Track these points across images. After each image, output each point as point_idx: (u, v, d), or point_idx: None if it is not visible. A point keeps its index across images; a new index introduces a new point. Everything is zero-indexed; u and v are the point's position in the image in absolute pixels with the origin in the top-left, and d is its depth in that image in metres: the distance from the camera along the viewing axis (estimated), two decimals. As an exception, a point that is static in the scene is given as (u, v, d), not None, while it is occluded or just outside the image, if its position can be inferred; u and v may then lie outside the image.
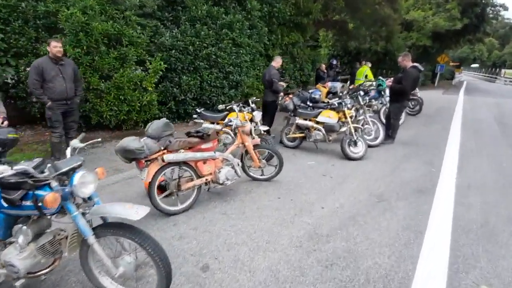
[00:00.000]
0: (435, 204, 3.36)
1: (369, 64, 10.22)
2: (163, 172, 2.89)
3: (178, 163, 2.91)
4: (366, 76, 9.46)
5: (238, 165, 3.49)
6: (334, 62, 11.80)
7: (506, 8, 25.26)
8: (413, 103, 9.32)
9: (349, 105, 5.01)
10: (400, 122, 7.44)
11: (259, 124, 4.76)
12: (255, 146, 3.70)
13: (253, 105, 4.68)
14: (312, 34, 14.38)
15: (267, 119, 5.91)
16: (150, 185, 2.83)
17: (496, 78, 40.66)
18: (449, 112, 10.14)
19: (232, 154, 3.57)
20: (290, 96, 5.56)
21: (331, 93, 6.87)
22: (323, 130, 4.96)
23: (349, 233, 2.74)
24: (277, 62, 5.72)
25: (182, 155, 2.87)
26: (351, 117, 4.90)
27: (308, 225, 2.87)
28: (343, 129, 4.87)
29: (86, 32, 5.07)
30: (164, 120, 2.88)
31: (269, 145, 4.20)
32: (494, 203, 3.40)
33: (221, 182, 3.25)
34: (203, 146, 3.14)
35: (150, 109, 6.07)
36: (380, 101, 7.77)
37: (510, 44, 57.20)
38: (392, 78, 6.12)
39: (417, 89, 13.62)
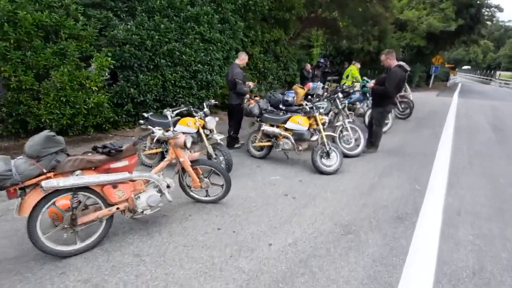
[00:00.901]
0: (416, 238, 2.64)
1: (358, 65, 9.53)
2: (50, 202, 2.14)
3: (72, 189, 2.17)
4: (347, 77, 8.77)
5: (169, 187, 2.75)
6: (322, 60, 11.11)
7: (501, 10, 24.83)
8: (403, 106, 8.65)
9: (322, 110, 4.30)
10: (387, 126, 6.80)
11: (214, 132, 4.02)
12: (194, 162, 2.96)
13: (206, 110, 3.94)
14: (301, 33, 13.69)
15: (233, 124, 5.18)
16: (29, 221, 2.08)
17: (491, 80, 40.41)
18: (441, 115, 9.49)
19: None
20: (257, 98, 4.83)
21: (309, 95, 6.16)
22: (291, 138, 4.24)
23: (294, 287, 2.02)
24: (241, 59, 4.98)
25: (72, 180, 2.12)
26: (323, 123, 4.18)
27: (242, 274, 2.13)
28: (314, 137, 4.15)
29: (14, 22, 4.31)
30: (45, 133, 2.13)
31: (212, 161, 3.40)
32: (490, 238, 2.69)
33: (140, 210, 2.51)
34: (113, 165, 2.39)
35: (100, 112, 5.31)
36: (365, 104, 7.09)
37: (505, 47, 57.18)
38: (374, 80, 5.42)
39: (409, 90, 13.04)
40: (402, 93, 10.29)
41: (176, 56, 6.02)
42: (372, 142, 5.16)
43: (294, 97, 5.25)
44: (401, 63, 4.58)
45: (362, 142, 4.96)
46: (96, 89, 5.10)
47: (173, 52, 5.93)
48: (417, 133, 6.90)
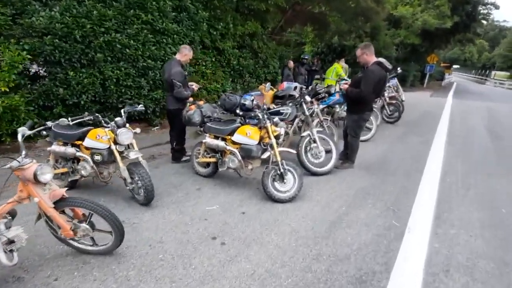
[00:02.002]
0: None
1: (342, 63, 8.61)
2: None
3: None
4: (335, 76, 7.86)
5: (11, 242, 1.81)
6: (306, 57, 10.17)
7: (497, 7, 24.05)
8: (391, 108, 7.76)
9: (277, 118, 3.36)
10: (370, 133, 5.89)
11: (134, 147, 3.07)
12: (59, 203, 2.00)
13: (118, 119, 2.97)
14: (285, 28, 12.72)
15: (175, 134, 4.23)
16: None
17: (486, 79, 39.85)
18: (434, 119, 8.62)
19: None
20: (200, 102, 3.88)
21: (279, 98, 5.22)
22: (238, 154, 3.30)
23: None
24: (182, 54, 4.01)
25: None
26: (277, 137, 3.24)
27: None
28: (266, 154, 3.21)
29: None
30: None
31: (90, 201, 2.25)
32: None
33: None
34: None
35: (16, 117, 4.32)
36: (346, 107, 6.16)
37: (500, 46, 56.83)
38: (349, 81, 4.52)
39: (401, 90, 12.12)
40: (392, 94, 9.47)
41: (117, 49, 5.02)
42: (348, 155, 4.25)
43: (253, 99, 4.31)
44: (381, 59, 3.66)
45: (334, 156, 4.04)
46: (7, 90, 4.11)
47: (113, 44, 4.94)
48: (404, 141, 6.00)
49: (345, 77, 8.19)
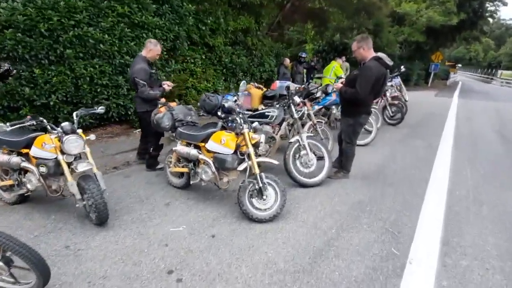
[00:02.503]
0: None
1: (341, 60, 8.11)
2: None
3: None
4: (333, 75, 7.36)
5: None
6: (304, 55, 9.64)
7: (505, 3, 23.28)
8: (393, 109, 7.25)
9: (256, 123, 2.88)
10: (370, 137, 5.39)
11: (87, 157, 2.61)
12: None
13: (65, 124, 2.50)
14: (283, 24, 12.22)
15: (150, 139, 3.77)
16: None
17: (492, 79, 38.97)
18: (439, 121, 8.08)
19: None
20: (173, 104, 3.40)
21: (268, 98, 4.74)
22: (212, 165, 2.83)
23: None
24: (147, 50, 3.55)
25: None
26: (256, 145, 2.77)
27: None
28: (242, 166, 2.73)
29: None
30: None
31: (7, 236, 1.73)
32: None
33: None
34: None
35: (-26, 119, 3.89)
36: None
37: (506, 45, 55.79)
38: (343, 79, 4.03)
39: (404, 89, 11.58)
40: (395, 94, 8.96)
41: (90, 44, 4.57)
42: (342, 163, 3.76)
43: (236, 100, 3.84)
44: (381, 54, 3.16)
45: (327, 165, 3.55)
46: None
47: (85, 39, 4.49)
48: (407, 145, 5.49)
49: (343, 76, 7.70)
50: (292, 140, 3.52)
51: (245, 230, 2.59)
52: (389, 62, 3.14)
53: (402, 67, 10.60)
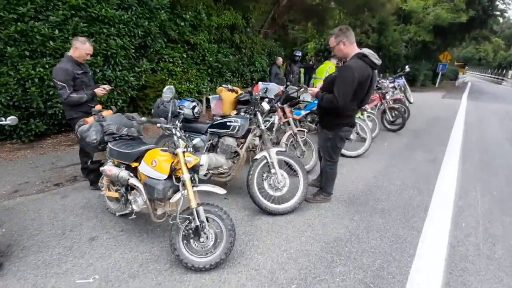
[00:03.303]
0: None
1: (334, 60, 7.37)
2: None
3: None
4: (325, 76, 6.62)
5: None
6: (298, 54, 8.95)
7: (517, 1, 22.20)
8: (394, 113, 6.53)
9: (202, 137, 2.23)
10: (363, 147, 4.69)
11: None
12: None
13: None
14: (279, 20, 11.53)
15: (84, 153, 3.15)
16: None
17: (502, 79, 37.62)
18: (446, 126, 7.31)
19: None
20: (108, 111, 2.77)
21: (242, 103, 4.08)
22: (143, 192, 2.19)
23: None
24: (73, 48, 2.92)
25: None
26: (195, 168, 2.10)
27: None
28: (177, 197, 2.07)
29: None
30: None
31: None
32: None
33: None
34: None
35: None
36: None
37: (516, 45, 54.12)
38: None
39: (409, 91, 10.83)
40: (396, 96, 8.24)
41: (38, 41, 3.97)
42: (322, 184, 3.09)
43: (194, 106, 3.19)
44: (366, 51, 2.47)
45: (301, 187, 2.88)
46: None
47: (31, 35, 3.89)
48: (407, 158, 4.77)
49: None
50: (258, 156, 2.86)
51: (174, 284, 1.94)
52: (377, 61, 2.45)
53: (407, 67, 9.85)
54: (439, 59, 20.45)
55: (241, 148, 3.05)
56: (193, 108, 3.14)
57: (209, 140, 3.13)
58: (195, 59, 6.90)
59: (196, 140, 2.14)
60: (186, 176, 2.00)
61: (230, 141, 3.00)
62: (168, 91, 2.47)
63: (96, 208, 2.90)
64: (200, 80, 7.10)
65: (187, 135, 3.24)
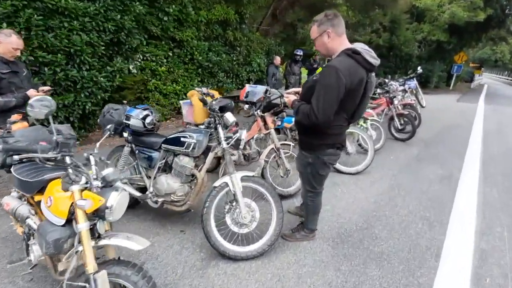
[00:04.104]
0: None
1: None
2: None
3: None
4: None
5: None
6: (299, 53, 8.24)
7: (537, 1, 20.81)
8: (402, 120, 5.77)
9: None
10: (364, 162, 3.98)
11: None
12: None
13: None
14: (282, 17, 10.82)
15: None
16: None
17: (522, 81, 35.84)
18: (462, 135, 6.49)
19: None
20: (23, 124, 2.16)
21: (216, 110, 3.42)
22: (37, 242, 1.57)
23: None
24: (3, 44, 2.35)
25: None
26: (100, 213, 1.47)
27: None
28: (72, 255, 1.44)
29: None
30: None
31: None
32: None
33: None
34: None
35: None
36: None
37: (536, 46, 51.68)
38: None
39: (421, 94, 9.97)
40: (407, 100, 7.46)
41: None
42: (304, 219, 2.41)
43: (146, 115, 2.56)
44: (358, 46, 1.78)
45: (273, 224, 2.22)
46: None
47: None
48: (415, 176, 4.03)
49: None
50: (218, 183, 2.20)
51: None
52: (373, 60, 1.76)
53: (419, 68, 9.03)
54: (454, 60, 19.33)
55: (200, 170, 2.40)
56: (144, 117, 2.51)
57: (163, 158, 2.50)
58: (182, 58, 6.29)
59: (109, 171, 1.51)
60: (81, 226, 1.37)
61: (185, 161, 2.36)
62: (38, 104, 1.56)
63: (8, 242, 2.31)
64: (188, 80, 6.50)
65: (101, 159, 2.62)
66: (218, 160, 3.48)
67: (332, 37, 1.81)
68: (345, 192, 3.38)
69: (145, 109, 2.61)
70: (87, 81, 4.39)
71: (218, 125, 2.27)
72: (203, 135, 2.33)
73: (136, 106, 2.62)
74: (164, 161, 2.50)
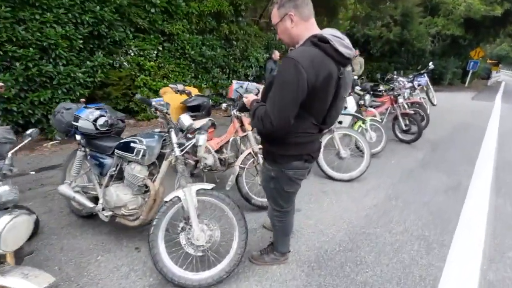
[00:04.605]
0: None
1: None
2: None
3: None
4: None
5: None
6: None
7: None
8: (407, 121, 5.29)
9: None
10: (361, 167, 3.58)
11: None
12: None
13: None
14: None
15: None
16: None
17: (543, 79, 34.08)
18: (475, 136, 5.97)
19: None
20: None
21: (192, 109, 3.09)
22: None
23: None
24: None
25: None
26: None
27: None
28: None
29: None
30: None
31: None
32: None
33: None
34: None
35: None
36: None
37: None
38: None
39: (432, 91, 9.35)
40: (414, 98, 6.97)
41: None
42: (273, 240, 2.05)
43: (98, 117, 2.24)
44: (327, 32, 1.37)
45: (235, 249, 1.87)
46: None
47: None
48: (418, 184, 3.59)
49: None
50: (168, 197, 1.86)
51: None
52: (346, 50, 1.37)
53: (430, 63, 8.45)
54: (470, 55, 18.35)
55: (154, 181, 2.07)
56: (95, 120, 2.19)
57: (117, 165, 2.18)
58: (172, 52, 5.97)
59: (2, 190, 1.19)
60: None
61: (137, 170, 2.03)
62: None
63: None
64: (180, 76, 6.18)
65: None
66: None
67: (296, 22, 1.43)
68: (334, 203, 3.00)
69: (98, 109, 2.29)
70: (64, 77, 4.13)
71: (170, 129, 1.93)
72: (156, 140, 1.99)
73: (88, 105, 2.30)
74: (117, 168, 2.18)
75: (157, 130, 2.10)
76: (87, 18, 4.17)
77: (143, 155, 1.96)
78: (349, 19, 14.82)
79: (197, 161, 3.16)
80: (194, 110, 3.08)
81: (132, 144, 2.00)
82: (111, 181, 2.20)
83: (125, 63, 5.14)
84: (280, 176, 1.62)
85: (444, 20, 17.19)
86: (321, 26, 1.47)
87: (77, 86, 4.33)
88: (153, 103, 2.04)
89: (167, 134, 2.00)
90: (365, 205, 2.98)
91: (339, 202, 3.02)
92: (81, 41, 4.22)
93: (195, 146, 1.96)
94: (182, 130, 1.98)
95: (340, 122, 4.36)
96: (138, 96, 2.13)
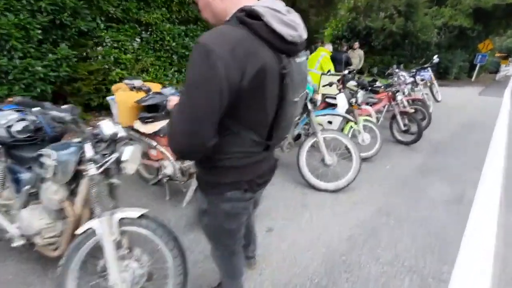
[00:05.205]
0: None
1: (330, 47, 5.64)
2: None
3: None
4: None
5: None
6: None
7: None
8: (407, 120, 4.81)
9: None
10: (348, 176, 3.13)
11: None
12: None
13: None
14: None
15: None
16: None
17: (554, 73, 32.98)
18: (481, 137, 5.46)
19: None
20: None
21: (148, 109, 2.65)
22: None
23: None
24: None
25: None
26: None
27: None
28: None
29: None
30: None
31: None
32: None
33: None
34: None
35: None
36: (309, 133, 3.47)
37: None
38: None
39: (436, 86, 8.82)
40: (416, 95, 6.50)
41: None
42: (221, 275, 1.62)
43: (22, 120, 1.83)
44: (262, 4, 0.92)
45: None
46: None
47: None
48: (414, 195, 3.14)
49: (331, 71, 5.36)
50: (82, 229, 1.44)
51: None
52: (287, 30, 0.90)
53: (435, 57, 7.92)
54: (478, 48, 17.56)
55: (74, 204, 1.64)
56: (8, 127, 1.77)
57: (35, 182, 1.76)
58: (151, 44, 5.51)
59: None
60: None
61: (51, 191, 1.61)
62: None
63: None
64: (161, 70, 5.74)
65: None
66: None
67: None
68: (313, 220, 2.56)
69: (18, 111, 1.86)
70: (21, 71, 3.70)
71: (85, 140, 1.48)
72: (70, 153, 1.56)
73: (2, 108, 1.87)
74: (35, 185, 1.76)
75: (76, 140, 1.66)
76: (43, 5, 3.71)
77: (55, 172, 1.53)
78: (350, 10, 14.15)
79: (157, 169, 2.75)
80: (152, 110, 2.63)
81: (41, 159, 1.57)
82: (29, 200, 1.79)
83: (97, 56, 4.70)
84: (214, 210, 1.18)
85: (452, 11, 16.45)
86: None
87: (38, 81, 3.90)
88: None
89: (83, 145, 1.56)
90: (350, 222, 2.54)
91: (319, 218, 2.58)
92: (40, 31, 3.77)
93: (118, 161, 1.52)
94: (104, 140, 1.54)
95: (330, 122, 3.91)
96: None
